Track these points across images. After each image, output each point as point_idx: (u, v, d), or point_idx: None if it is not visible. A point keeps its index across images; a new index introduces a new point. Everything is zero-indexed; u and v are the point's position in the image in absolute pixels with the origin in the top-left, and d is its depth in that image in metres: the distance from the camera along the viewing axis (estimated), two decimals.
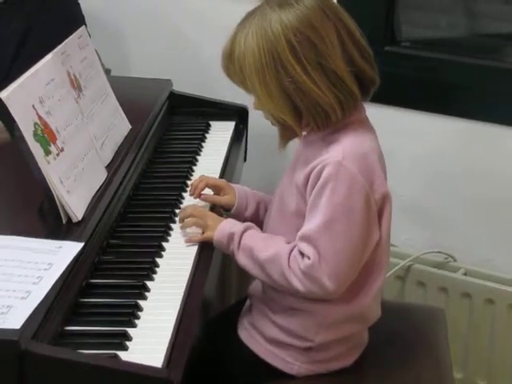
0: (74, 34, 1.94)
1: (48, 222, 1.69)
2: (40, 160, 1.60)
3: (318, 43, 1.58)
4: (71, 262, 1.53)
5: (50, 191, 1.63)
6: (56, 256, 1.54)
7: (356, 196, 1.59)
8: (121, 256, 1.72)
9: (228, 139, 2.32)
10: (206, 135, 2.35)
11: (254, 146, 2.50)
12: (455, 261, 2.54)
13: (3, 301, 1.40)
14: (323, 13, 1.60)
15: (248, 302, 1.83)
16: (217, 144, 2.30)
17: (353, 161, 1.59)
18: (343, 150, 1.61)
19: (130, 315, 1.51)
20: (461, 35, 2.71)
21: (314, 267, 1.58)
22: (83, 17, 2.63)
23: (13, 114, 1.56)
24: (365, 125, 1.69)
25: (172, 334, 1.48)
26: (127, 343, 1.44)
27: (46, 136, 1.64)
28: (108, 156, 1.92)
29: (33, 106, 1.63)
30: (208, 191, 1.92)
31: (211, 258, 1.76)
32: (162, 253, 1.74)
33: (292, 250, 1.62)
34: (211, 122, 2.41)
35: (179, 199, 1.97)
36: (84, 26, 2.01)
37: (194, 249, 1.76)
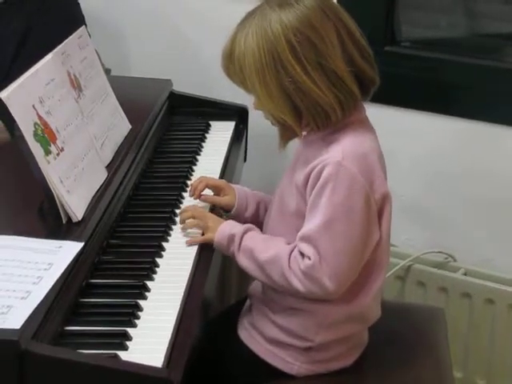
0: (74, 34, 1.94)
1: (48, 221, 1.69)
2: (40, 160, 1.60)
3: (318, 43, 1.58)
4: (71, 262, 1.53)
5: (50, 191, 1.63)
6: (56, 256, 1.54)
7: (356, 196, 1.59)
8: (121, 256, 1.72)
9: (228, 139, 2.32)
10: (206, 135, 2.35)
11: (254, 146, 2.50)
12: (455, 261, 2.54)
13: (3, 301, 1.40)
14: (323, 13, 1.60)
15: (248, 302, 1.83)
16: (217, 144, 2.30)
17: (353, 161, 1.59)
18: (343, 150, 1.61)
19: (130, 315, 1.51)
20: (461, 35, 2.71)
21: (315, 267, 1.58)
22: (83, 17, 2.63)
23: (13, 114, 1.56)
24: (365, 125, 1.69)
25: (172, 334, 1.48)
26: (127, 343, 1.44)
27: (46, 136, 1.64)
28: (108, 156, 1.92)
29: (33, 106, 1.63)
30: (208, 192, 1.92)
31: (211, 258, 1.76)
32: (162, 253, 1.74)
33: (292, 251, 1.62)
34: (211, 122, 2.41)
35: (179, 199, 1.97)
36: (84, 26, 2.01)
37: (194, 249, 1.76)
